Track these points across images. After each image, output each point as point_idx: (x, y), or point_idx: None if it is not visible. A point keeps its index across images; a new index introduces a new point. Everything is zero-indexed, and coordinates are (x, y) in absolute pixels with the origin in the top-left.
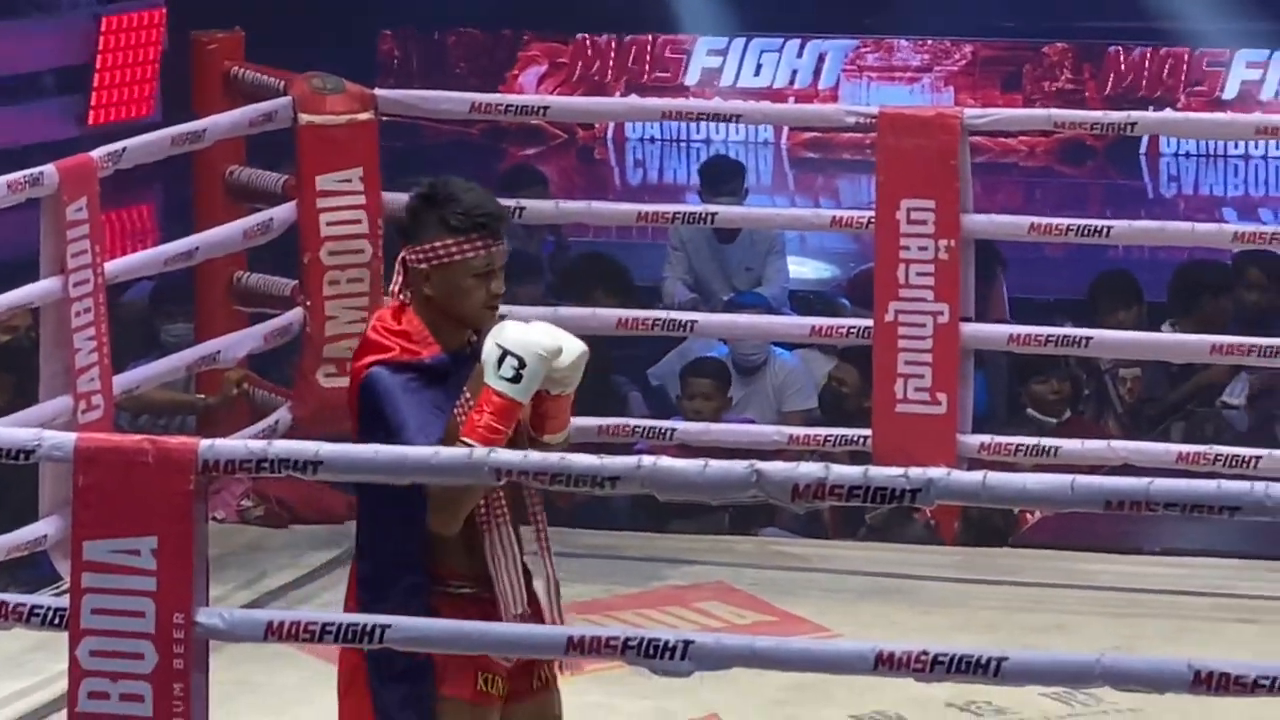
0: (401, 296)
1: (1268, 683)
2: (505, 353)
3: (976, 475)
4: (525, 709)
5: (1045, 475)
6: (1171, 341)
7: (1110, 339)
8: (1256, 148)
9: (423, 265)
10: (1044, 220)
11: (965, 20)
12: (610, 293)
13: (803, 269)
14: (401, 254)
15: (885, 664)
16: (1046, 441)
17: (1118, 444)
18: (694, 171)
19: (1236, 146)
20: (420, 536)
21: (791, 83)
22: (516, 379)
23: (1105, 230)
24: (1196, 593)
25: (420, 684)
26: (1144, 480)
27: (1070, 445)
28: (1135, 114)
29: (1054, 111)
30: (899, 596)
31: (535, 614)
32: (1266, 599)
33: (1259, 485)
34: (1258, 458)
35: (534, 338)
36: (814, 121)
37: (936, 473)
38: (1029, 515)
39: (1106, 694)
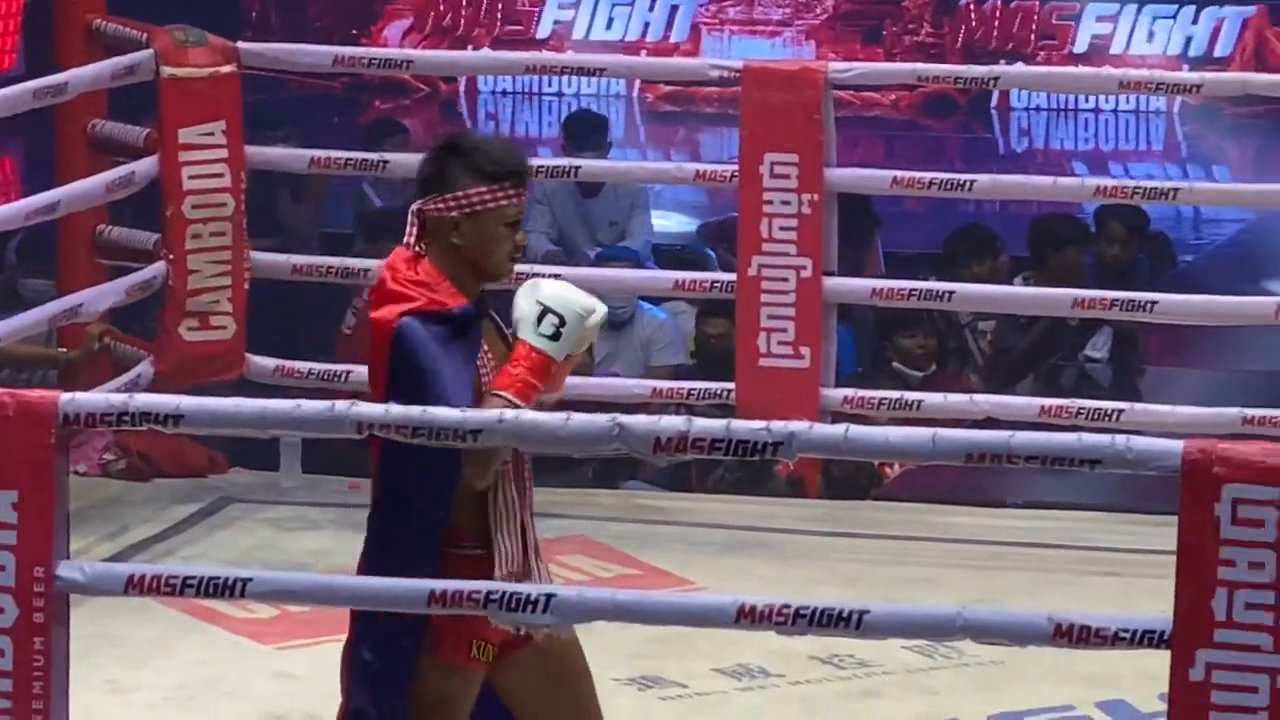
0: (418, 248)
1: (1128, 635)
2: (545, 310)
3: (838, 428)
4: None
5: (907, 429)
6: (1035, 295)
7: (973, 292)
8: (1107, 101)
9: (453, 214)
10: (907, 174)
11: None
12: None
13: (666, 223)
14: (418, 205)
15: (747, 617)
16: (910, 395)
17: (980, 397)
18: (546, 124)
19: (1087, 100)
20: (439, 495)
21: (644, 35)
22: (556, 336)
23: (968, 184)
24: (1059, 546)
25: (410, 646)
26: (1005, 433)
27: (933, 399)
28: (998, 68)
29: (918, 66)
30: (762, 550)
31: (525, 574)
32: (1128, 552)
33: (1120, 438)
34: (1120, 411)
35: (574, 297)
36: (678, 75)
37: (798, 426)
38: (891, 469)
39: (968, 647)
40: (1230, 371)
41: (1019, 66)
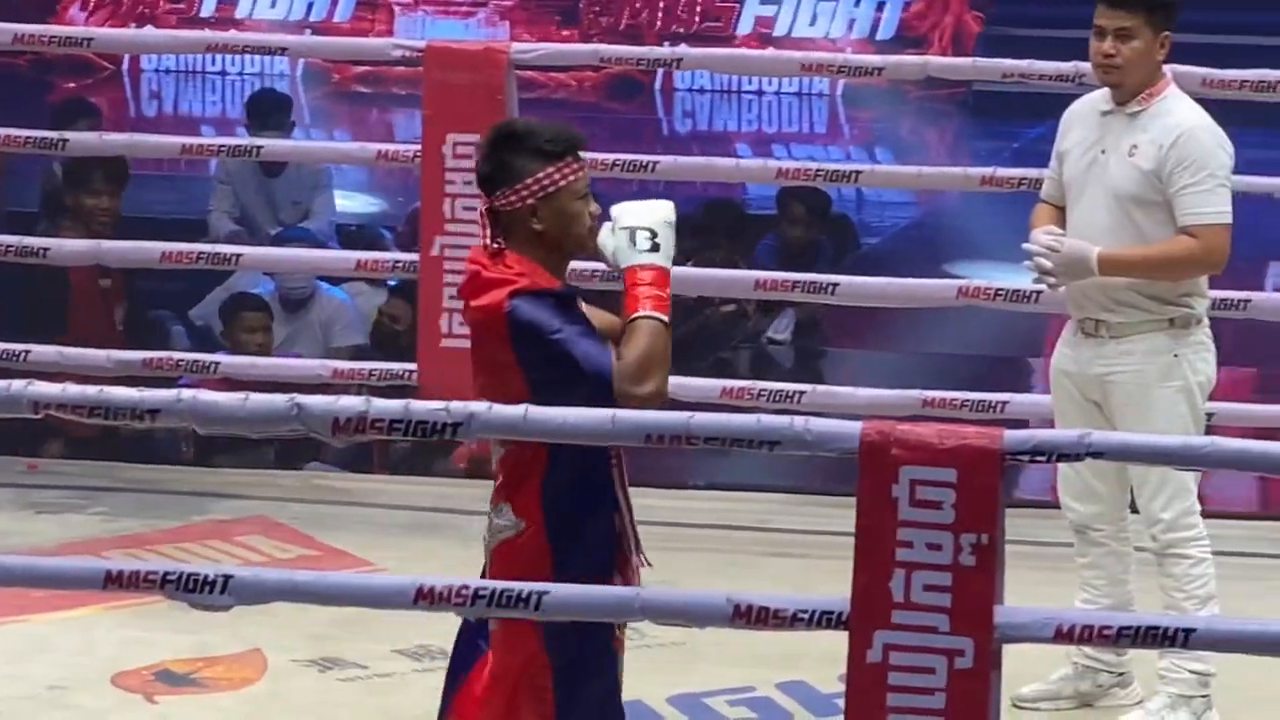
0: (496, 244)
1: (806, 616)
2: (633, 231)
3: (518, 409)
4: None
5: (586, 409)
6: (719, 276)
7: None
8: (770, 84)
9: (529, 201)
10: (592, 155)
11: None
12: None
13: (350, 203)
14: (488, 204)
15: (426, 598)
16: None
17: None
18: (210, 104)
19: (750, 82)
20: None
21: (308, 15)
22: (656, 249)
23: (650, 165)
24: (740, 527)
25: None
26: (684, 414)
27: None
28: (680, 50)
29: (600, 47)
30: (443, 531)
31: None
32: (808, 533)
33: (799, 420)
34: (801, 392)
35: (648, 210)
36: (362, 55)
37: (478, 406)
38: None
39: (649, 628)
40: (911, 354)
41: (700, 49)
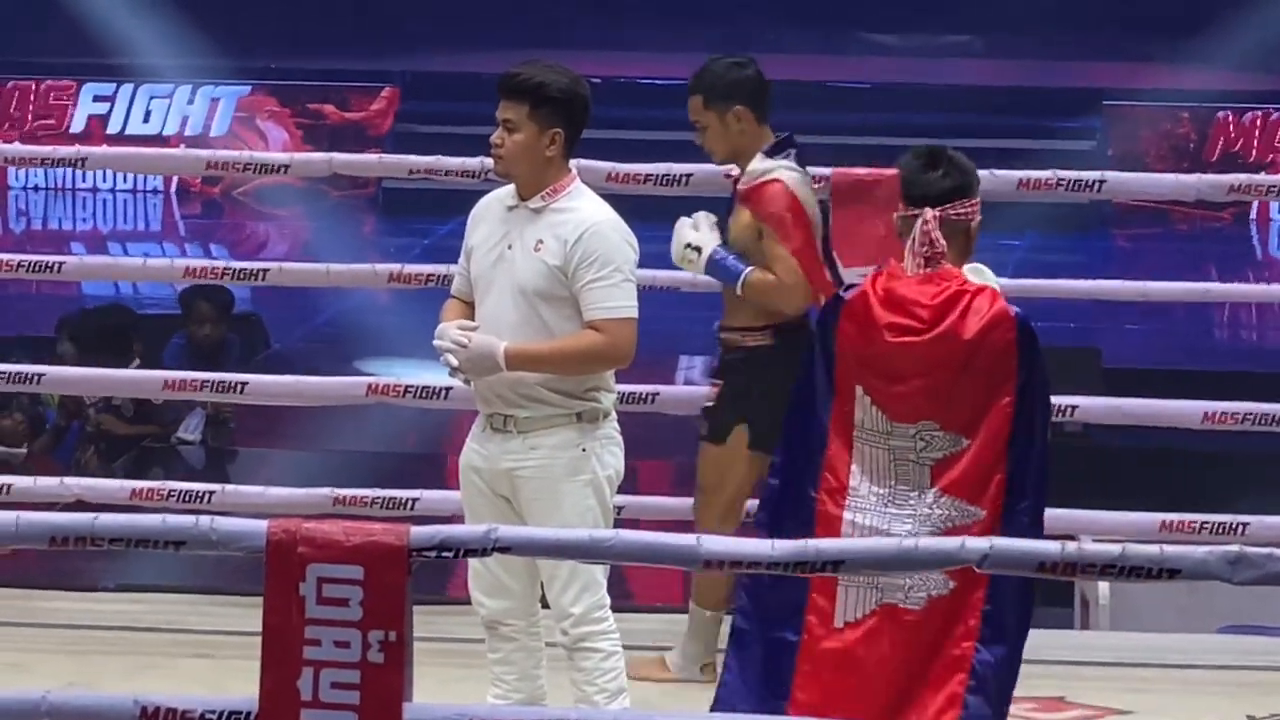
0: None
1: (214, 716)
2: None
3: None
4: None
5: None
6: (130, 378)
7: (59, 375)
8: (105, 180)
9: (978, 216)
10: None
11: None
12: None
13: None
14: (940, 211)
15: None
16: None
17: (71, 480)
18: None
19: (85, 180)
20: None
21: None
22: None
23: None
24: (153, 629)
25: None
26: (89, 515)
27: (24, 482)
28: (85, 149)
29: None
30: None
31: None
32: (218, 633)
33: (205, 519)
34: (211, 492)
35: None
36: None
37: None
38: None
39: None
40: (323, 451)
41: (104, 148)
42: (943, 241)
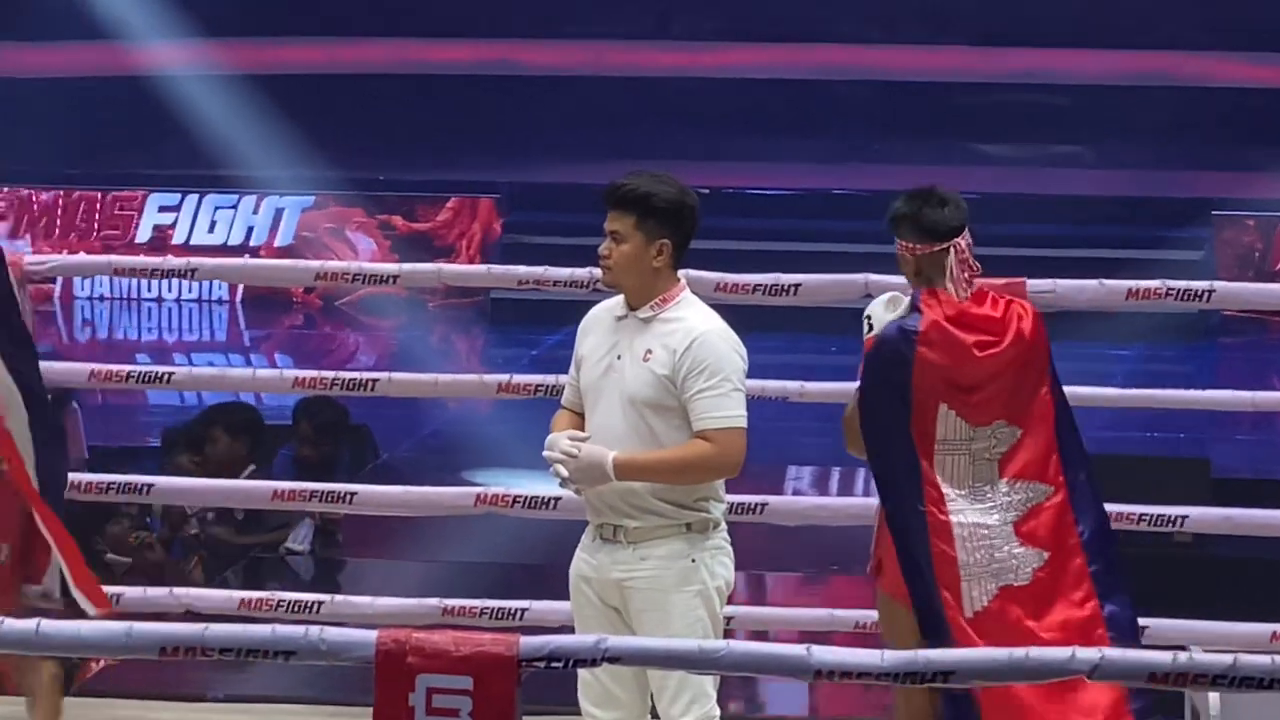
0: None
1: None
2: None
3: (30, 623)
4: None
5: (101, 623)
6: (236, 487)
7: (176, 485)
8: (170, 290)
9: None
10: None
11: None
12: None
13: None
14: (956, 243)
15: None
16: (109, 589)
17: (180, 590)
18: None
19: (150, 289)
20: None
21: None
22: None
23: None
24: None
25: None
26: (199, 626)
27: (133, 592)
28: (196, 260)
29: (113, 259)
30: None
31: None
32: None
33: (314, 629)
34: (320, 602)
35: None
36: None
37: None
38: (95, 664)
39: None
40: (431, 562)
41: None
42: (978, 263)
